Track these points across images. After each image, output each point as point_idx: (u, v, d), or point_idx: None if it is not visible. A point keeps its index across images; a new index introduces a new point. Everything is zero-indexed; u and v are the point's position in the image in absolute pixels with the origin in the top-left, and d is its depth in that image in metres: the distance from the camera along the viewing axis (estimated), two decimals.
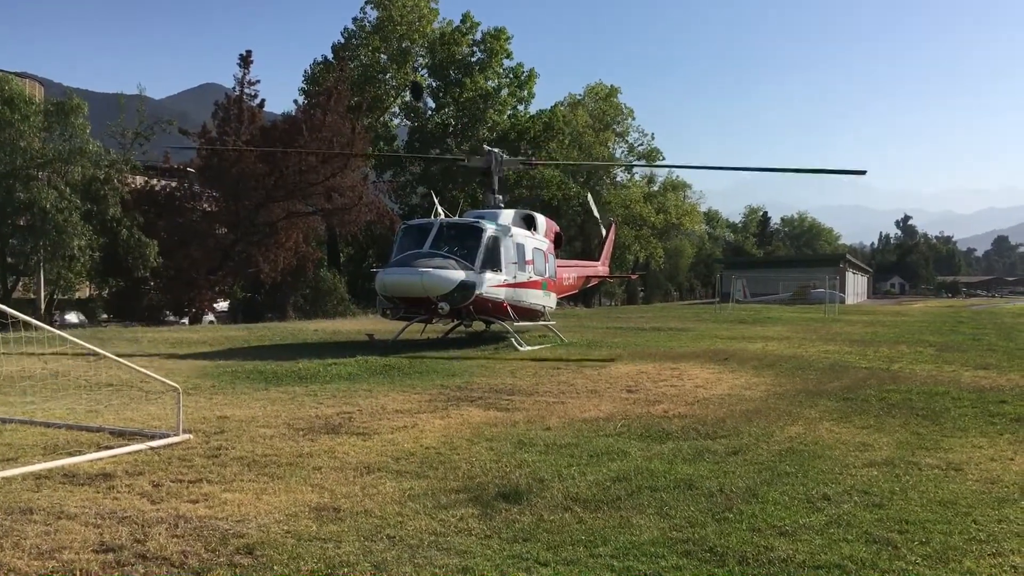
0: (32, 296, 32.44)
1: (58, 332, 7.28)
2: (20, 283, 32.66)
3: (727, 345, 20.35)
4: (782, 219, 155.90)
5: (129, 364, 8.01)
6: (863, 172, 19.93)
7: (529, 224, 21.82)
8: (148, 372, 8.05)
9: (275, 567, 4.57)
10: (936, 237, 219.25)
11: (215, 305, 37.95)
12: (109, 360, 8.35)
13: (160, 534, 5.06)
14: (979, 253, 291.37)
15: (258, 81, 37.35)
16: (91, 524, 5.26)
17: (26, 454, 7.17)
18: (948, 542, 5.09)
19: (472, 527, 5.31)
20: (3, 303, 7.71)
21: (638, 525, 5.34)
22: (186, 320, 34.48)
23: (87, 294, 36.62)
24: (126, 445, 7.54)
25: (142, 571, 4.51)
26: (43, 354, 12.40)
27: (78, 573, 4.46)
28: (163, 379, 8.18)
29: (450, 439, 8.10)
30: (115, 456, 7.13)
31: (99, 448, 7.40)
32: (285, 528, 5.24)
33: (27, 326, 7.43)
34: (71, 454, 7.16)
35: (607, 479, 6.52)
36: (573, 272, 26.65)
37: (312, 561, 4.66)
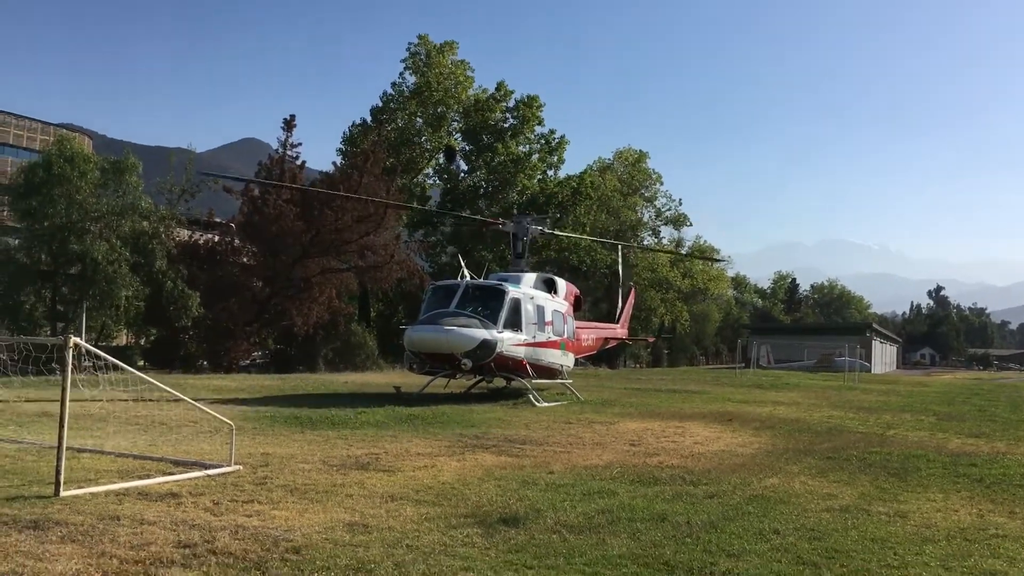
0: None
1: (141, 375, 8.61)
2: (67, 329, 34.35)
3: (737, 408, 21.32)
4: (812, 286, 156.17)
5: (199, 406, 9.37)
6: (721, 260, 21.88)
7: (550, 287, 23.11)
8: (208, 410, 9.37)
9: (317, 562, 5.78)
10: (969, 308, 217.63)
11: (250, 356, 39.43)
12: (163, 401, 9.65)
13: (225, 537, 6.30)
14: (1013, 326, 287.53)
15: (300, 144, 39.46)
16: (168, 528, 6.52)
17: (104, 476, 8.46)
18: (864, 566, 6.19)
19: (476, 541, 6.50)
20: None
21: (611, 544, 6.50)
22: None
23: (124, 342, 38.21)
24: (186, 472, 8.82)
25: (214, 561, 5.73)
26: (93, 400, 13.72)
27: (164, 560, 5.71)
28: (220, 416, 9.48)
29: (464, 477, 9.29)
30: (178, 480, 8.41)
31: (164, 474, 8.70)
32: (324, 536, 6.45)
33: (112, 368, 8.78)
34: (141, 477, 8.45)
35: (594, 511, 7.67)
36: (592, 334, 27.82)
37: (346, 559, 5.87)
